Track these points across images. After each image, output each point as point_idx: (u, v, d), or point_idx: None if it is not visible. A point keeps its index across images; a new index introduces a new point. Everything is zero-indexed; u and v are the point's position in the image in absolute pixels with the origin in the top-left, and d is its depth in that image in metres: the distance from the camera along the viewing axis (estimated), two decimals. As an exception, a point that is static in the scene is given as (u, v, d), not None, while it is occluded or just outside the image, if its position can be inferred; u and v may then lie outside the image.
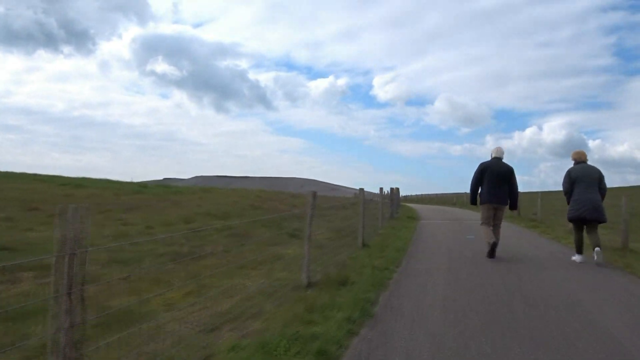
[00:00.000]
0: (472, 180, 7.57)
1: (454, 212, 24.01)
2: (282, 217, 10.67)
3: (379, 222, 12.18)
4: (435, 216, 19.14)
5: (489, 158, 7.69)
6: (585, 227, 6.91)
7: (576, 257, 6.99)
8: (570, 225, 7.51)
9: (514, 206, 7.65)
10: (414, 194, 66.46)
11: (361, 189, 8.75)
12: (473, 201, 7.87)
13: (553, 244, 9.59)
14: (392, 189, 15.95)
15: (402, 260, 7.23)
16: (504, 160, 7.61)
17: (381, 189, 11.81)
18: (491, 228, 7.38)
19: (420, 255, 7.83)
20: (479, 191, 7.57)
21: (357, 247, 8.37)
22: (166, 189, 20.19)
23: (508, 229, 12.88)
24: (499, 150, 7.64)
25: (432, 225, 14.44)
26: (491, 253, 7.15)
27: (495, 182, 7.31)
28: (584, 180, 6.76)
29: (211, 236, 8.11)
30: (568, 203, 7.02)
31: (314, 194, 5.71)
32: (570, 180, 6.92)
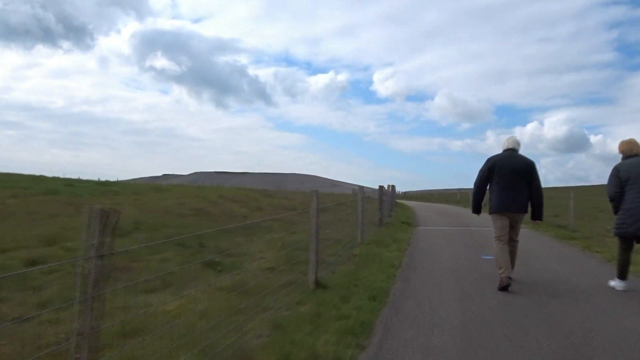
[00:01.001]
0: (476, 180, 5.80)
1: (458, 213, 20.63)
2: (213, 232, 7.30)
3: (359, 234, 8.80)
4: (436, 220, 15.75)
5: (490, 154, 5.89)
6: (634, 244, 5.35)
7: (616, 283, 5.37)
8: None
9: (537, 215, 5.75)
10: (414, 189, 63.40)
11: (314, 192, 5.36)
12: (476, 209, 6.07)
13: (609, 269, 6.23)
14: (381, 187, 12.56)
15: (376, 325, 3.90)
16: (521, 153, 5.79)
17: (361, 187, 8.54)
18: (506, 246, 5.50)
19: (412, 306, 4.49)
20: (490, 195, 5.75)
21: (306, 289, 5.00)
22: (104, 186, 16.74)
23: (532, 240, 9.51)
24: (513, 140, 5.84)
25: (432, 236, 11.08)
26: (504, 288, 5.20)
27: (509, 182, 5.52)
28: (638, 180, 5.12)
29: (46, 276, 4.74)
30: (615, 212, 5.39)
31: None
32: (620, 180, 5.27)
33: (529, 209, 5.67)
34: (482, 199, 5.88)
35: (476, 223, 14.54)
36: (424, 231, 11.92)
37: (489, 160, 5.69)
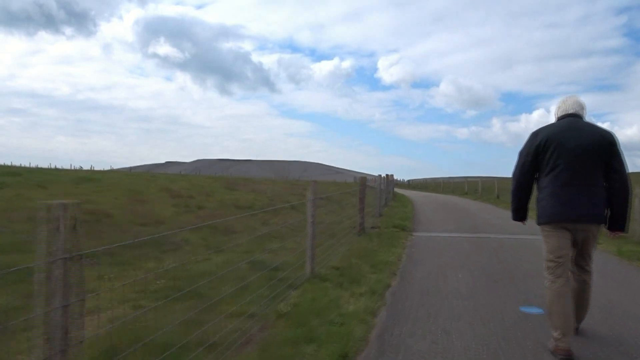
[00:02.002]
0: (516, 170, 3.46)
1: (467, 208, 17.05)
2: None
3: (308, 262, 5.26)
4: (440, 219, 12.19)
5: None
6: None
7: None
8: None
9: (618, 222, 3.26)
10: (420, 177, 59.71)
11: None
12: (519, 215, 3.62)
13: None
14: (363, 179, 9.00)
15: None
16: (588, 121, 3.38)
17: (314, 183, 5.12)
18: (567, 286, 3.20)
19: None
20: (538, 194, 3.38)
21: None
22: (44, 175, 13.70)
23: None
24: (574, 102, 3.39)
25: (434, 251, 7.56)
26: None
27: (573, 170, 3.17)
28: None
29: None
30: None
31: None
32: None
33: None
34: (528, 200, 3.53)
35: (495, 225, 11.01)
36: (423, 242, 8.38)
37: (536, 134, 3.37)
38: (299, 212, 9.27)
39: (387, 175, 17.81)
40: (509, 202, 3.78)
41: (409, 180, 69.36)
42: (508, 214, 3.96)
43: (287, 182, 26.65)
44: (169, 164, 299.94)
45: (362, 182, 8.72)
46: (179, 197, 11.23)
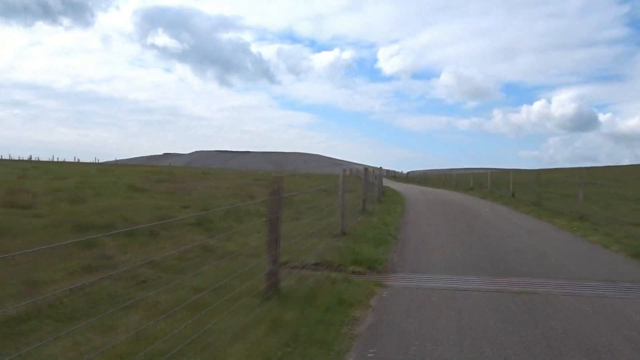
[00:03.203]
0: None
1: (479, 214, 12.43)
2: None
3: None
4: (442, 240, 7.65)
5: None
6: None
7: None
8: None
9: None
10: (421, 169, 55.02)
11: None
12: None
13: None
14: (277, 177, 4.40)
15: None
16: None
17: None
18: None
19: None
20: None
21: None
22: None
23: None
24: None
25: (423, 350, 2.97)
26: None
27: None
28: None
29: None
30: None
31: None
32: None
33: None
34: None
35: (532, 252, 6.35)
36: (401, 311, 3.86)
37: None
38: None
39: (369, 168, 13.31)
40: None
41: (407, 173, 64.55)
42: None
43: (256, 175, 22.11)
44: (166, 155, 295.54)
45: (276, 186, 4.20)
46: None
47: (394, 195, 18.36)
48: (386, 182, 34.66)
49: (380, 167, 21.87)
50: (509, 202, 16.32)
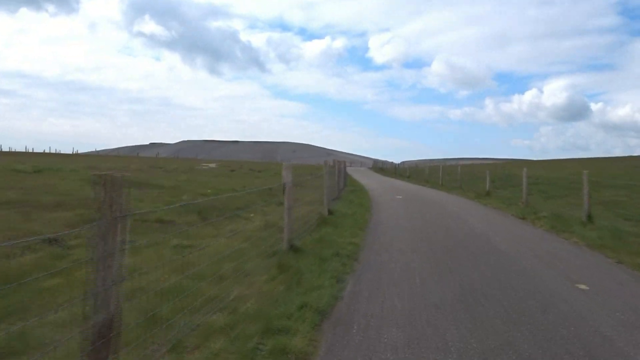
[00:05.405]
0: None
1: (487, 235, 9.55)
2: None
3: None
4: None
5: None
6: None
7: None
8: None
9: None
10: (414, 159, 51.61)
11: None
12: None
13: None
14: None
15: None
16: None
17: None
18: None
19: None
20: None
21: None
22: None
23: None
24: None
25: None
26: None
27: None
28: None
29: None
30: None
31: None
32: None
33: None
34: None
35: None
36: None
37: None
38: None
39: (327, 162, 10.42)
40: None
41: (397, 164, 61.18)
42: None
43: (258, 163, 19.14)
44: (153, 145, 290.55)
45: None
46: None
47: (360, 206, 15.32)
48: (364, 178, 31.50)
49: (344, 162, 18.75)
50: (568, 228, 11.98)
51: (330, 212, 9.28)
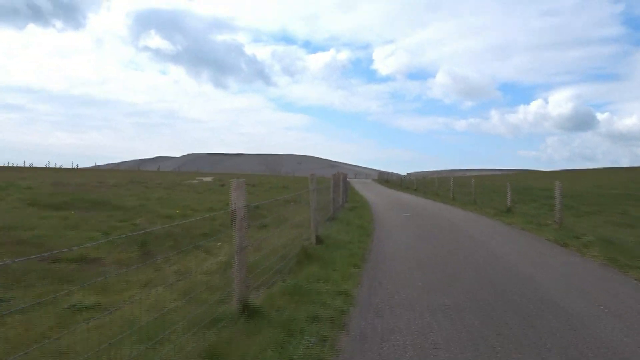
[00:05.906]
0: None
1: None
2: None
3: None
4: None
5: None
6: None
7: None
8: None
9: None
10: (419, 170, 49.65)
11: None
12: None
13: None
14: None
15: None
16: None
17: None
18: None
19: None
20: None
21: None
22: None
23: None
24: None
25: None
26: None
27: None
28: None
29: None
30: None
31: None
32: None
33: None
34: None
35: None
36: None
37: None
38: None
39: (315, 175, 8.40)
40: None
41: (403, 176, 58.89)
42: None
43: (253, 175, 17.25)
44: (158, 158, 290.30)
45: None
46: None
47: (351, 240, 13.28)
48: (368, 192, 29.17)
49: (345, 174, 16.71)
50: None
51: (319, 240, 7.21)
